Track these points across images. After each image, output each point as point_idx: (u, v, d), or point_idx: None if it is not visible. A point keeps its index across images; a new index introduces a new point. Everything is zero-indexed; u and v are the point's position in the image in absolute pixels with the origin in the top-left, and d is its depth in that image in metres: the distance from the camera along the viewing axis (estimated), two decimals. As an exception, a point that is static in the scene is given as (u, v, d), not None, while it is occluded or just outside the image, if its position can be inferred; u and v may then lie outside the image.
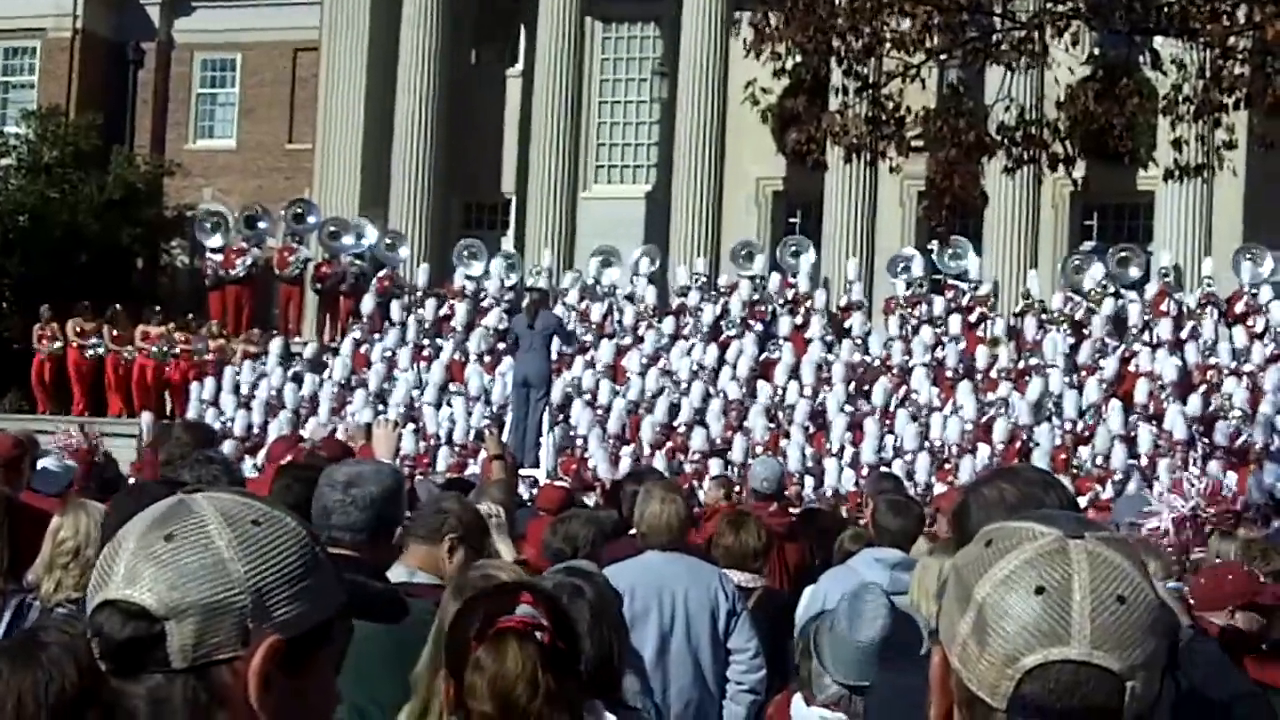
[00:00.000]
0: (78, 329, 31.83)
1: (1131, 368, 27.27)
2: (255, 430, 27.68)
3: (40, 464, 10.31)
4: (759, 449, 24.92)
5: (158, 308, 33.09)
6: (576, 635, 3.08)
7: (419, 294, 32.23)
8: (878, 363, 28.22)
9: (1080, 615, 1.82)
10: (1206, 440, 24.72)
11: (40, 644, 2.91)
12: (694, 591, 7.61)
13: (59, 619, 4.71)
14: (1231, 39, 16.27)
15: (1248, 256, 29.46)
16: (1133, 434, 24.93)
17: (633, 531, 9.07)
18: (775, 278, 31.23)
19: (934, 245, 30.26)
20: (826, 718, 5.31)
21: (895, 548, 8.09)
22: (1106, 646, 1.81)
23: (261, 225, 34.82)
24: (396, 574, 5.51)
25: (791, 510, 13.22)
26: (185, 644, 1.92)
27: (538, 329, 23.36)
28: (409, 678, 3.70)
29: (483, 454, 19.93)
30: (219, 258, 34.06)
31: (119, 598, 1.95)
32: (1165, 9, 16.29)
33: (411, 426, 26.39)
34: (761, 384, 27.76)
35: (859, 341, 28.95)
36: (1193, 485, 8.67)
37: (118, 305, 32.23)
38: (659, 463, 23.73)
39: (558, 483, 18.17)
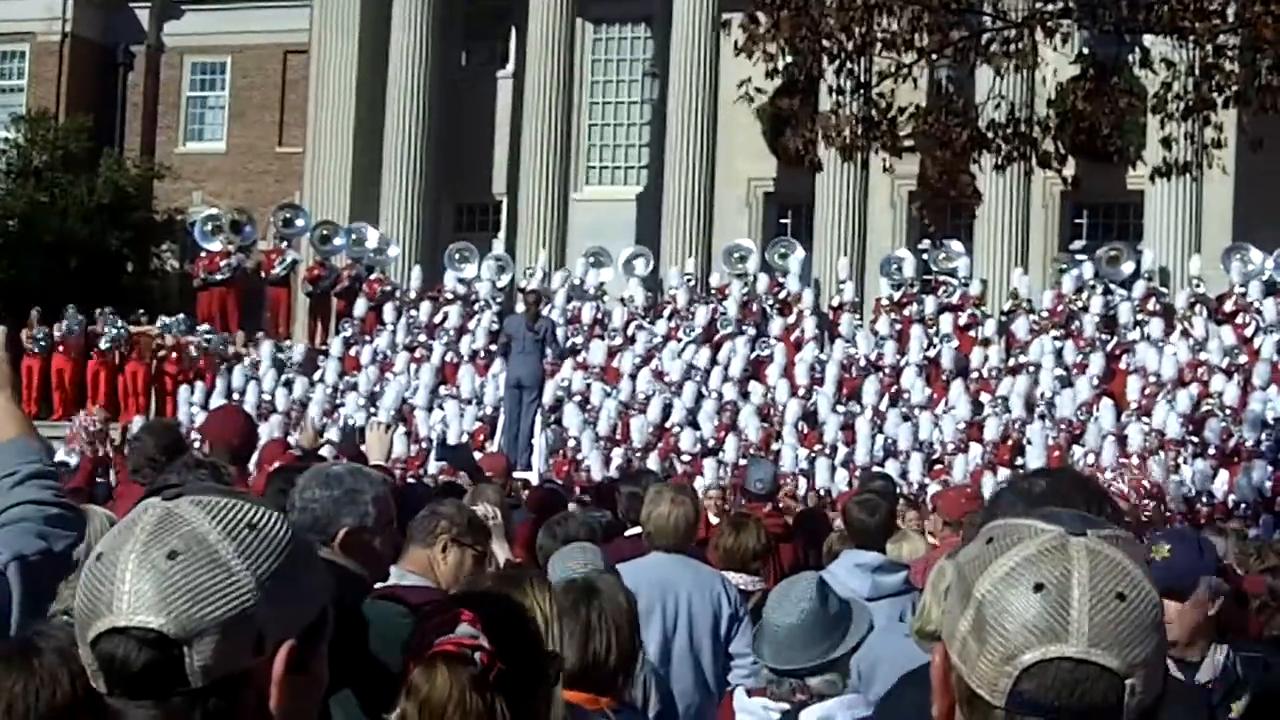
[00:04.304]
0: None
1: (1122, 365, 27.26)
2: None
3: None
4: (751, 449, 24.90)
5: (143, 311, 32.96)
6: (529, 648, 2.93)
7: (411, 296, 32.17)
8: (866, 362, 28.18)
9: (1079, 613, 1.80)
10: (1196, 439, 24.71)
11: (36, 650, 2.89)
12: (698, 595, 7.59)
13: (58, 625, 4.68)
14: (1221, 37, 16.27)
15: (1237, 255, 29.44)
16: (1124, 432, 24.92)
17: (630, 532, 9.05)
18: (764, 278, 31.19)
19: (926, 244, 30.26)
20: (768, 706, 5.33)
21: (869, 547, 8.01)
22: (1105, 644, 1.79)
23: (247, 229, 34.67)
24: (389, 577, 5.50)
25: (785, 511, 13.23)
26: (205, 664, 1.86)
27: (533, 332, 23.33)
28: None
29: (490, 447, 19.97)
30: (205, 260, 33.95)
31: (130, 625, 1.86)
32: (1154, 7, 16.26)
33: (402, 429, 26.35)
34: (754, 384, 27.73)
35: (850, 341, 28.91)
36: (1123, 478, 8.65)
37: (108, 308, 32.11)
38: (652, 464, 23.72)
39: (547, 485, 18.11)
